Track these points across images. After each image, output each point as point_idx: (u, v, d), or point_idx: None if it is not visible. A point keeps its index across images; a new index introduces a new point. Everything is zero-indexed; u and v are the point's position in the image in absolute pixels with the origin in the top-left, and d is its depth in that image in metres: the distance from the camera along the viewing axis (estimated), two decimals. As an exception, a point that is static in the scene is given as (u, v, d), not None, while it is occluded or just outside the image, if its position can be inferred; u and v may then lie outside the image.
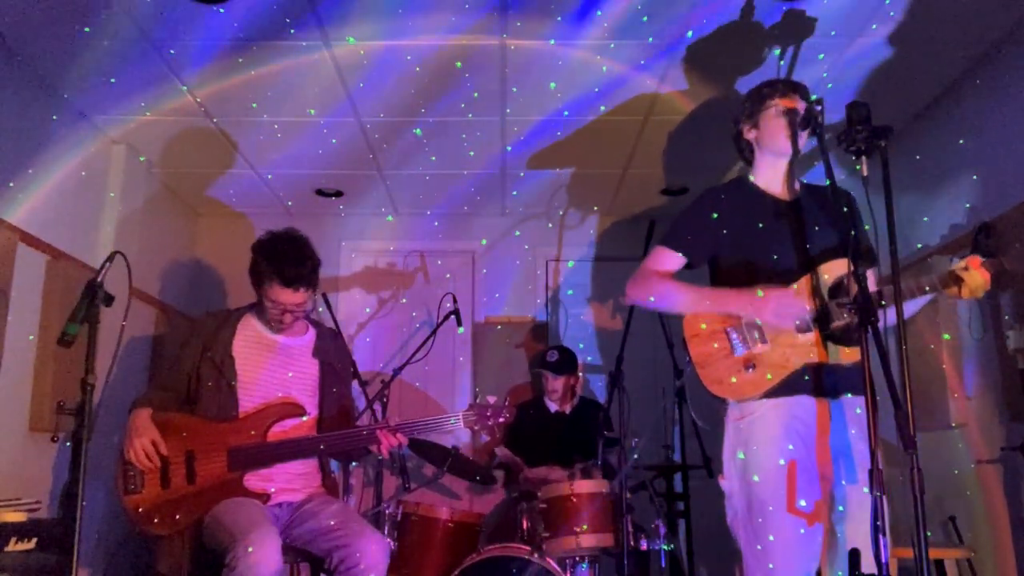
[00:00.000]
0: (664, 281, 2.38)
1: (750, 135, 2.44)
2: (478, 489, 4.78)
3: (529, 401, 4.51)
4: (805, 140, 2.36)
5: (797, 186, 2.41)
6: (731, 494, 2.24)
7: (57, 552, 2.58)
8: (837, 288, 2.19)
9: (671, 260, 2.40)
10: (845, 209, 2.21)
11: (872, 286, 2.21)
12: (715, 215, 2.38)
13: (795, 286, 2.24)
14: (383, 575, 2.56)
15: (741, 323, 2.26)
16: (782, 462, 2.14)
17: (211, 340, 2.83)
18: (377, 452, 2.77)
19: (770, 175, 2.41)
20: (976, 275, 2.08)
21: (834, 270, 2.22)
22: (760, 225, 2.33)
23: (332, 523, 2.64)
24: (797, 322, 2.20)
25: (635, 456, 3.22)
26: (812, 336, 2.20)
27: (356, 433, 2.77)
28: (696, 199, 2.45)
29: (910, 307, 2.22)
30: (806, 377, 2.20)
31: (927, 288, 2.12)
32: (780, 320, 2.20)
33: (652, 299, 2.37)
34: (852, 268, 1.96)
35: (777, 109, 2.35)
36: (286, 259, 2.76)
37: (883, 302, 2.08)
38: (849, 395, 2.23)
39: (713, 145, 3.98)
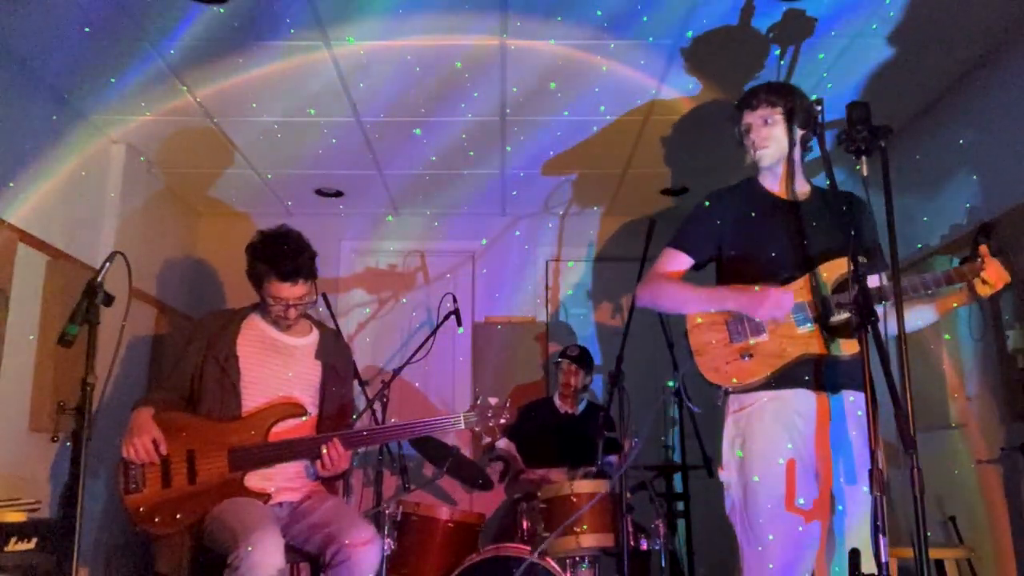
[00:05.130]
0: (668, 283, 2.41)
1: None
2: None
3: (538, 401, 4.50)
4: (795, 137, 2.37)
5: (807, 188, 2.42)
6: (729, 485, 2.26)
7: (57, 552, 2.59)
8: (839, 288, 2.20)
9: (678, 261, 2.44)
10: (845, 208, 2.21)
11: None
12: (719, 215, 2.41)
13: (792, 285, 2.25)
14: (374, 568, 2.57)
15: (741, 314, 2.28)
16: (781, 461, 2.14)
17: (215, 339, 2.83)
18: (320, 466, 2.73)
19: (770, 177, 2.44)
20: (994, 265, 2.06)
21: (833, 270, 2.23)
22: (761, 225, 2.35)
23: (324, 519, 2.65)
24: (794, 315, 2.22)
25: (632, 457, 3.21)
26: (811, 328, 2.22)
27: (321, 440, 2.74)
28: (702, 200, 2.48)
29: (918, 316, 2.25)
30: (805, 370, 2.21)
31: (937, 283, 2.10)
32: (775, 315, 2.22)
33: (656, 301, 2.43)
34: (852, 268, 1.96)
35: (740, 127, 2.41)
36: (280, 254, 2.77)
37: (883, 300, 2.08)
38: (849, 392, 2.23)
39: (714, 144, 3.98)
